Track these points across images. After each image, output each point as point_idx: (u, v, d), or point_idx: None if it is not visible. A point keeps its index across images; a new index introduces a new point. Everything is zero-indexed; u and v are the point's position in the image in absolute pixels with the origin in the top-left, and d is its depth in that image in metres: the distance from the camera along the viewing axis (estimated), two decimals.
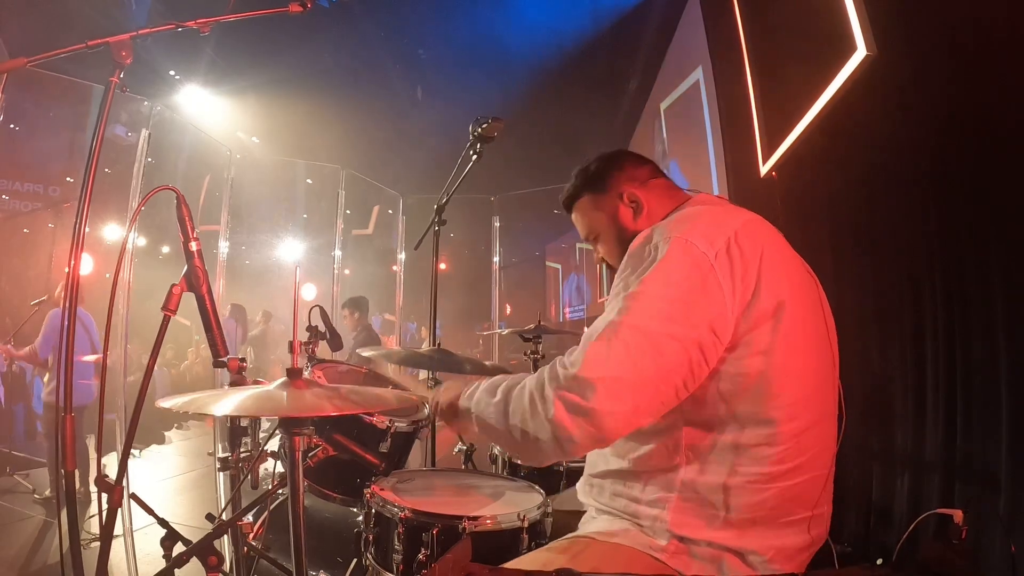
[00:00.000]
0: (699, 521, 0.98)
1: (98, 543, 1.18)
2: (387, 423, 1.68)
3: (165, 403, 0.99)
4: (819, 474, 1.03)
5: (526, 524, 1.29)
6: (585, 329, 1.05)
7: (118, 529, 2.91)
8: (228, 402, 0.97)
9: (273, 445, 1.42)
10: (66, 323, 1.25)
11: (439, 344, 2.17)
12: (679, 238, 0.97)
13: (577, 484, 1.24)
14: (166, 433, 6.26)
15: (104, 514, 1.14)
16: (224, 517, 1.44)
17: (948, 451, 1.63)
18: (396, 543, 1.31)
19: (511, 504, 1.39)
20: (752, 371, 0.96)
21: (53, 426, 4.08)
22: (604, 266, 1.28)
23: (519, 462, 1.83)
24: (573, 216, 1.27)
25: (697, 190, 1.25)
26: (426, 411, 2.05)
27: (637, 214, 1.18)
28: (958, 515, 1.03)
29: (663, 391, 0.92)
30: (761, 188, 2.80)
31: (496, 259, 7.35)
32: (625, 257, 1.03)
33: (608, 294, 1.04)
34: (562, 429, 0.91)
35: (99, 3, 4.50)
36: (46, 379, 4.38)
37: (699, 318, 0.92)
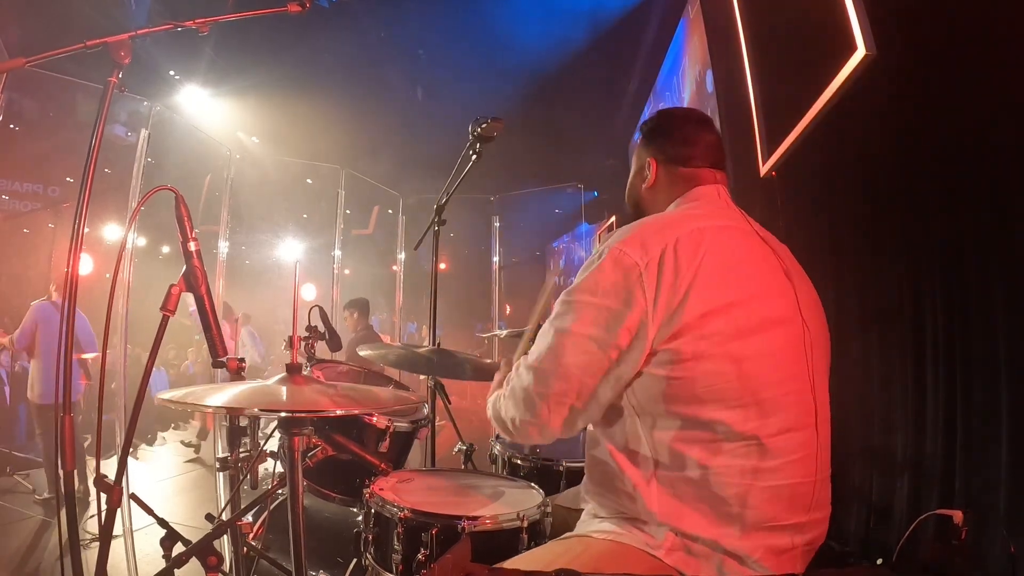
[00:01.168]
0: (690, 518, 0.99)
1: (98, 543, 1.18)
2: (386, 423, 1.68)
3: (164, 395, 0.99)
4: (805, 481, 1.03)
5: (525, 524, 1.29)
6: None
7: (117, 529, 2.92)
8: (226, 396, 0.97)
9: (272, 445, 1.42)
10: (65, 322, 1.25)
11: (439, 344, 2.17)
12: (615, 248, 1.04)
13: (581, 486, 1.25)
14: (163, 434, 6.26)
15: (103, 514, 1.14)
16: (224, 517, 1.44)
17: (948, 451, 1.63)
18: (395, 543, 1.31)
19: (510, 504, 1.39)
20: (684, 375, 0.99)
21: (42, 423, 4.09)
22: None
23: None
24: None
25: (712, 185, 1.23)
26: (425, 410, 2.05)
27: (644, 182, 1.27)
28: (958, 515, 1.02)
29: (586, 384, 1.04)
30: (761, 188, 2.80)
31: (496, 259, 7.35)
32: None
33: None
34: (509, 408, 1.13)
35: (99, 3, 4.51)
36: (31, 378, 4.33)
37: (618, 324, 1.01)
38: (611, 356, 1.02)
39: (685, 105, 4.37)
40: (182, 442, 5.68)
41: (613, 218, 6.88)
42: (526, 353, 1.20)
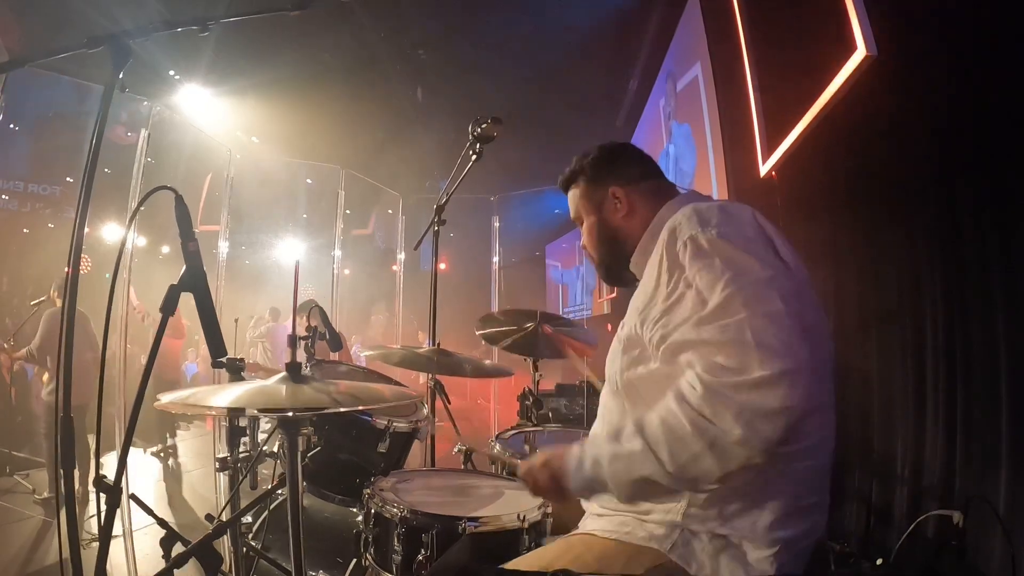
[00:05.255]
0: (708, 512, 0.98)
1: (97, 543, 1.17)
2: (385, 423, 1.68)
3: (165, 398, 0.99)
4: (819, 463, 1.02)
5: (526, 524, 1.29)
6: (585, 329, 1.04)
7: (117, 529, 2.91)
8: (227, 396, 0.97)
9: (272, 445, 1.42)
10: (64, 323, 1.24)
11: (439, 344, 2.16)
12: (721, 230, 0.97)
13: None
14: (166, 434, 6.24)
15: (103, 514, 1.13)
16: (224, 517, 1.44)
17: (948, 451, 1.63)
18: (395, 543, 1.31)
19: (511, 504, 1.39)
20: None
21: (50, 424, 4.09)
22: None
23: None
24: (568, 196, 1.33)
25: (685, 190, 1.26)
26: (425, 411, 2.06)
27: (618, 211, 1.23)
28: (958, 515, 1.02)
29: (818, 365, 0.88)
30: (761, 188, 2.80)
31: (496, 259, 7.35)
32: (660, 260, 1.02)
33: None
34: (755, 440, 0.84)
35: (99, 3, 4.51)
36: (45, 379, 4.38)
37: (792, 290, 0.92)
38: (813, 319, 0.93)
39: (684, 105, 4.37)
40: (151, 453, 5.63)
41: None
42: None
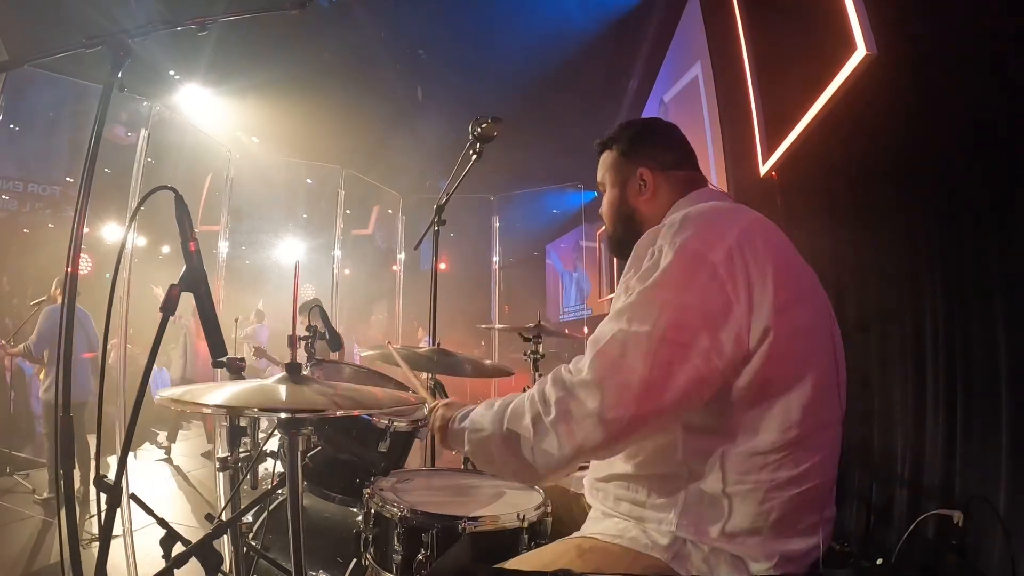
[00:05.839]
0: (704, 526, 0.97)
1: (98, 543, 1.17)
2: (386, 422, 1.68)
3: (163, 393, 0.98)
4: (826, 480, 1.01)
5: (526, 524, 1.29)
6: (585, 331, 1.04)
7: (117, 529, 2.91)
8: (226, 395, 0.96)
9: (272, 445, 1.42)
10: (63, 323, 1.24)
11: (439, 344, 2.16)
12: (684, 243, 0.96)
13: (584, 481, 1.24)
14: (163, 433, 6.24)
15: (103, 514, 1.13)
16: (224, 517, 1.44)
17: (948, 451, 1.63)
18: (396, 543, 1.31)
19: (511, 504, 1.39)
20: (756, 377, 0.94)
21: (50, 423, 4.09)
22: (606, 261, 1.32)
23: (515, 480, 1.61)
24: (600, 158, 1.31)
25: (711, 185, 1.24)
26: (426, 410, 2.05)
27: (642, 193, 1.21)
28: (958, 515, 1.02)
29: (668, 399, 0.91)
30: (761, 188, 2.80)
31: (496, 259, 7.35)
32: (630, 257, 1.04)
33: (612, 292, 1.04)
34: (564, 434, 0.93)
35: (99, 3, 4.51)
36: (42, 376, 4.38)
37: (705, 326, 0.91)
38: (700, 363, 0.90)
39: (684, 105, 4.37)
40: (158, 445, 5.63)
41: None
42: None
